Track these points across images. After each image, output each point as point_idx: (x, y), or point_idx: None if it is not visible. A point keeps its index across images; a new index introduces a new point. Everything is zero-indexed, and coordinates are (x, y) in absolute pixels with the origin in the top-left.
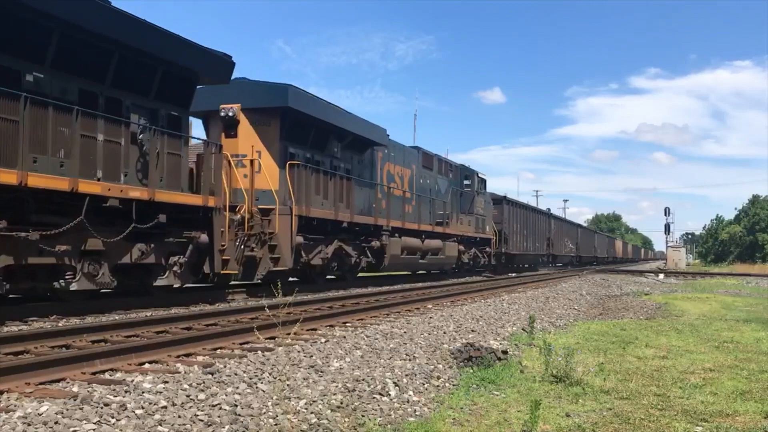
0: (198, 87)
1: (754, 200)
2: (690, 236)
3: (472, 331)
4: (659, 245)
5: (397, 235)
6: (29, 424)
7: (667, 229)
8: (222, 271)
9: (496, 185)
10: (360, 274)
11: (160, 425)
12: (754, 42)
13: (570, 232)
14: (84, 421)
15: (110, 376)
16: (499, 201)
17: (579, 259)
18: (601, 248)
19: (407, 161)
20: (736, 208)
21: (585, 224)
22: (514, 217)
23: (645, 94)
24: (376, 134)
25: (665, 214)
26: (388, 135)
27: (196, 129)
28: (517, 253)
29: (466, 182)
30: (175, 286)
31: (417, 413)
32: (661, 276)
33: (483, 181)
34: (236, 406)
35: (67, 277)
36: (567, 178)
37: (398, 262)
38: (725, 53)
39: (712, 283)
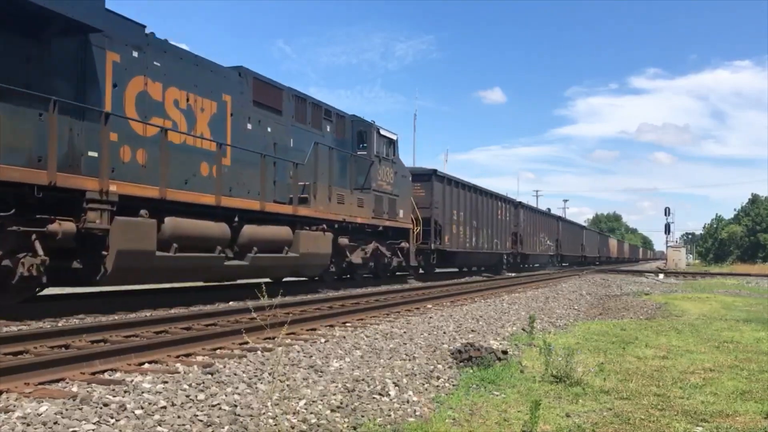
0: None
1: (754, 199)
2: (690, 236)
3: (472, 331)
4: (659, 245)
5: (145, 212)
6: (28, 424)
7: (667, 229)
8: None
9: (495, 185)
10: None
11: (160, 425)
12: (753, 42)
13: (548, 227)
14: (83, 422)
15: (110, 376)
16: (427, 177)
17: (561, 260)
18: (591, 247)
19: (212, 87)
20: (735, 209)
21: (585, 224)
22: (452, 202)
23: (645, 94)
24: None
25: (665, 214)
26: (145, 28)
27: None
28: (459, 251)
29: (362, 145)
30: None
31: (417, 413)
32: (661, 276)
33: (391, 143)
34: (236, 406)
35: None
36: (567, 178)
37: (153, 264)
38: (725, 53)
39: (712, 283)
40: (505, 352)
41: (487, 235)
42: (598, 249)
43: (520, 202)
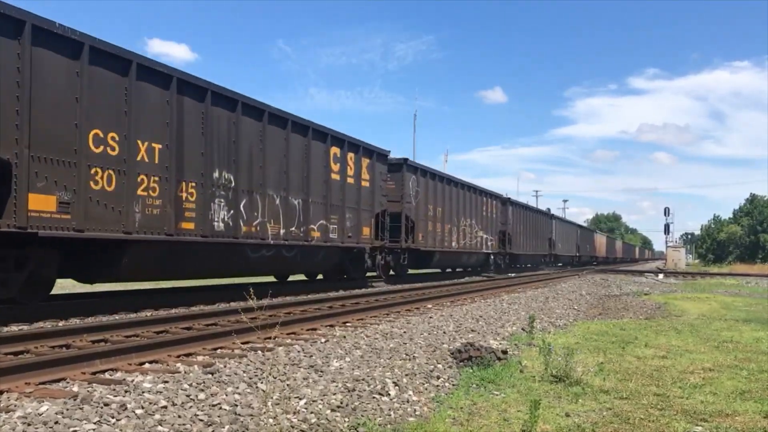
0: None
1: (752, 199)
2: (690, 236)
3: (472, 330)
4: (659, 245)
5: None
6: (29, 424)
7: (667, 229)
8: None
9: (496, 185)
10: None
11: (160, 425)
12: (752, 42)
13: (482, 212)
14: (84, 421)
15: (110, 375)
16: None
17: (510, 260)
18: (567, 243)
19: None
20: (734, 210)
21: (585, 224)
22: (142, 118)
23: (644, 95)
24: None
25: (665, 215)
26: None
27: None
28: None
29: None
30: None
31: (417, 413)
32: (661, 276)
33: None
34: (236, 405)
35: None
36: (567, 179)
37: None
38: (724, 54)
39: (711, 283)
40: (504, 352)
41: (310, 211)
42: (578, 247)
43: (420, 167)
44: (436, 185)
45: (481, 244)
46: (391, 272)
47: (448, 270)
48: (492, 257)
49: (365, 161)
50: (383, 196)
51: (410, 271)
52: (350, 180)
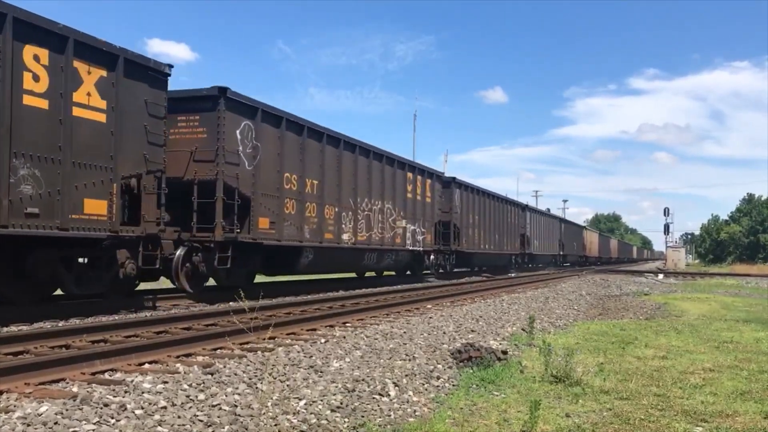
0: None
1: (750, 199)
2: (689, 236)
3: (472, 331)
4: (659, 245)
5: None
6: (29, 425)
7: (667, 229)
8: None
9: (496, 185)
10: None
11: (160, 425)
12: (752, 42)
13: (411, 193)
14: (84, 422)
15: (110, 376)
16: None
17: (460, 262)
18: (548, 241)
19: None
20: (731, 212)
21: (584, 224)
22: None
23: (644, 95)
24: None
25: (665, 215)
26: None
27: None
28: None
29: None
30: None
31: (417, 413)
32: (661, 276)
33: None
34: (236, 406)
35: None
36: (567, 179)
37: None
38: (724, 54)
39: (711, 284)
40: (504, 352)
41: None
42: (562, 245)
43: (264, 108)
44: (304, 143)
45: (404, 238)
46: (209, 284)
47: (371, 274)
48: (431, 257)
49: (92, 73)
50: (158, 146)
51: (282, 279)
52: (31, 100)
